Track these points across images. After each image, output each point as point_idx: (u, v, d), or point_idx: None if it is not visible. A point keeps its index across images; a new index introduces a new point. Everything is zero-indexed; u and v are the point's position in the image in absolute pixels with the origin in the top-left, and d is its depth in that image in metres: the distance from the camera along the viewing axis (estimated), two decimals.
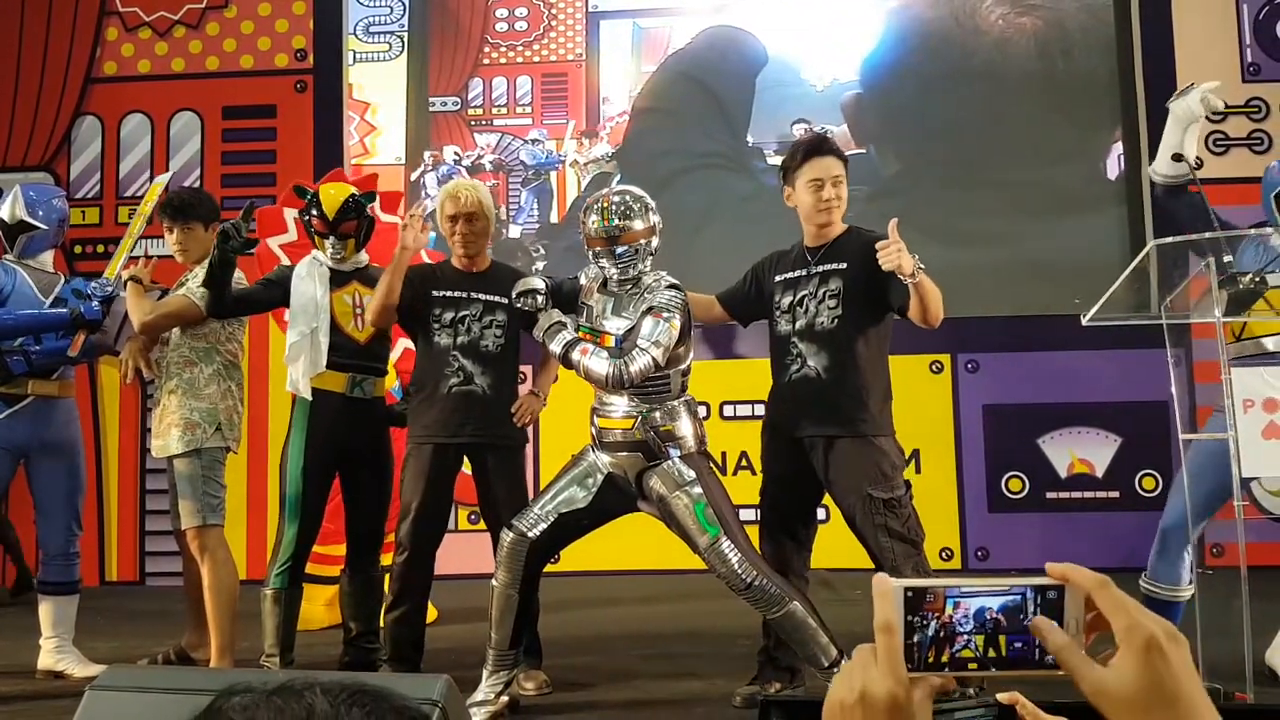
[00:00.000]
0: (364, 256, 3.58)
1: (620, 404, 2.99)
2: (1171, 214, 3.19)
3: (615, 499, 3.06)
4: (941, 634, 0.69)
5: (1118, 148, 5.89)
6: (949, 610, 0.69)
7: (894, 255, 2.72)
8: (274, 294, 3.50)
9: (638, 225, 3.00)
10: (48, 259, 3.80)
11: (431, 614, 3.71)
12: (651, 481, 2.97)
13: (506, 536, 3.03)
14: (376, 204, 3.71)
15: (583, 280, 3.19)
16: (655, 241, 3.06)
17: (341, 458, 3.46)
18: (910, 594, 0.69)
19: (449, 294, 3.36)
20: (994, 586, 0.70)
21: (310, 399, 3.40)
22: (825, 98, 6.09)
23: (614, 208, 3.01)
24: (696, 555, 2.94)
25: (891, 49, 6.07)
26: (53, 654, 3.66)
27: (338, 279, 3.48)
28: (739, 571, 2.83)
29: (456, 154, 6.27)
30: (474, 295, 3.35)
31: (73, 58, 6.37)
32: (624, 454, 3.01)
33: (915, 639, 0.69)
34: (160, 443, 3.54)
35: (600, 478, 3.05)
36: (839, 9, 6.14)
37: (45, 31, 6.37)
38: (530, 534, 3.00)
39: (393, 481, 3.61)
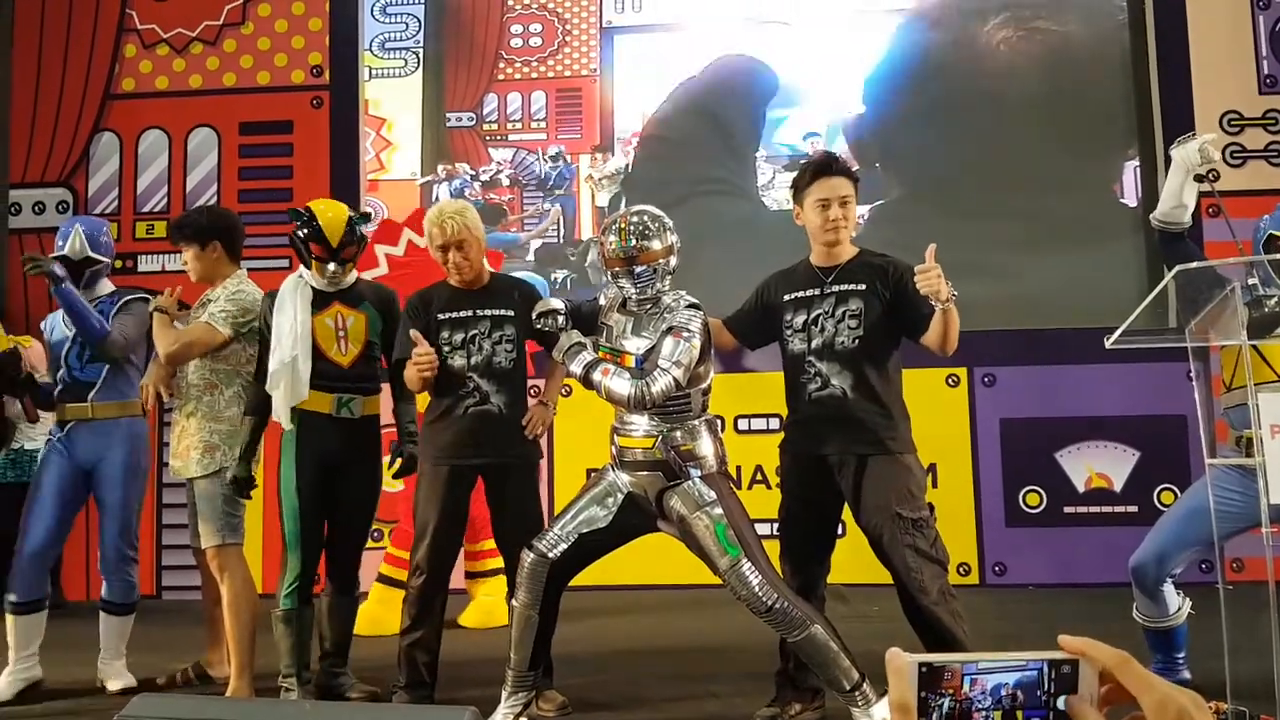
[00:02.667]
0: (351, 275, 3.55)
1: (641, 423, 2.98)
2: (1168, 260, 3.24)
3: (635, 518, 3.05)
4: (957, 711, 0.69)
5: (1131, 167, 5.88)
6: (966, 687, 0.69)
7: (934, 280, 2.78)
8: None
9: (656, 245, 3.00)
10: (103, 288, 3.87)
11: None
12: (672, 501, 2.96)
13: (527, 557, 3.02)
14: (369, 224, 3.75)
15: (602, 300, 3.19)
16: (674, 261, 3.05)
17: (332, 476, 3.43)
18: (925, 669, 0.68)
19: (455, 315, 3.33)
20: (1010, 662, 0.70)
21: (294, 427, 3.36)
22: (836, 114, 6.11)
23: (631, 228, 3.00)
24: (716, 576, 2.93)
25: (894, 71, 6.08)
26: (106, 668, 3.75)
27: (319, 300, 3.43)
28: (760, 594, 2.81)
29: (470, 171, 6.29)
30: (479, 312, 3.33)
31: (91, 74, 6.42)
32: (644, 473, 3.00)
33: (932, 717, 0.68)
34: (179, 464, 3.56)
35: (620, 497, 3.04)
36: (843, 27, 6.15)
37: (64, 49, 6.44)
38: (550, 554, 3.00)
39: (377, 499, 3.58)
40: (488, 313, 3.32)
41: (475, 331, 3.31)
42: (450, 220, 3.29)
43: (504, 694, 3.09)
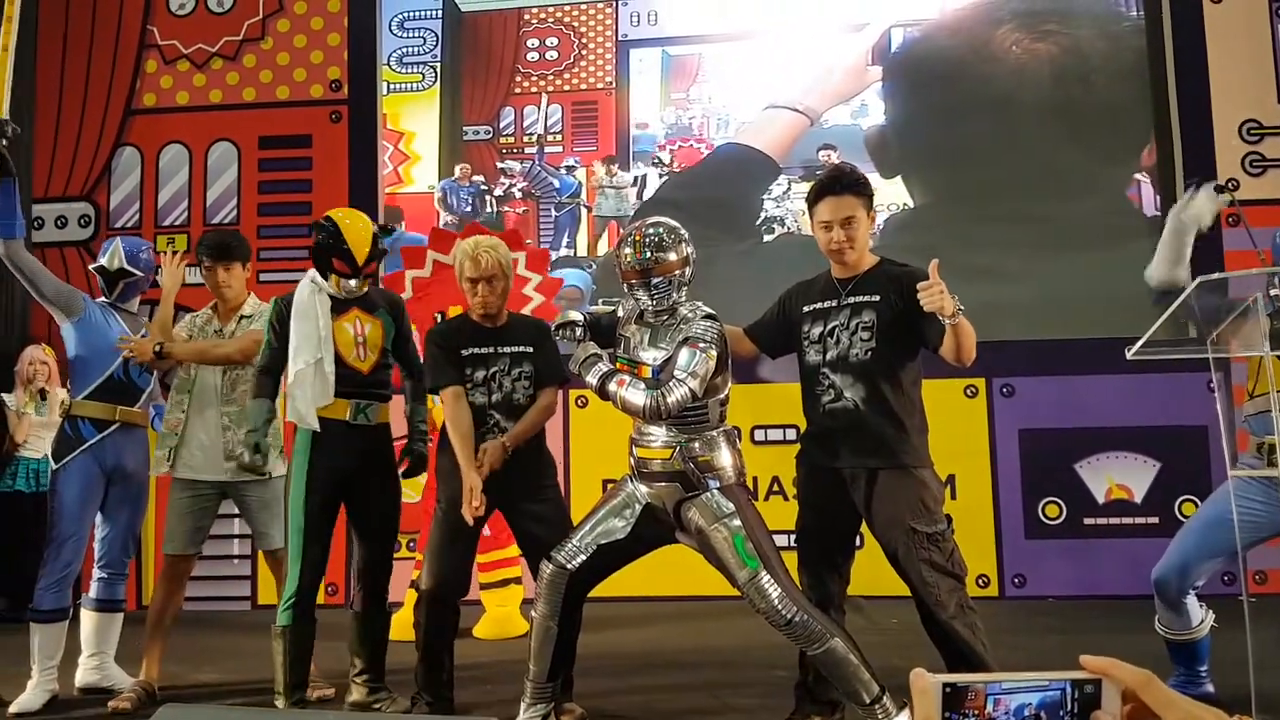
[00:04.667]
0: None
1: (659, 434, 2.98)
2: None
3: (654, 530, 3.04)
4: None
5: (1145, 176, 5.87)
6: (989, 708, 0.69)
7: (936, 297, 2.71)
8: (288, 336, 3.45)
9: (671, 257, 2.99)
10: (135, 304, 4.08)
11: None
12: (690, 513, 2.95)
13: (546, 568, 3.03)
14: (391, 237, 3.81)
15: (620, 312, 3.19)
16: (689, 272, 3.05)
17: (346, 486, 3.40)
18: (949, 690, 0.69)
19: (477, 351, 3.31)
20: (1033, 681, 0.70)
21: (308, 434, 3.33)
22: (850, 125, 6.12)
23: (647, 240, 2.99)
24: (735, 589, 2.92)
25: (914, 78, 6.08)
26: (96, 671, 3.83)
27: (337, 306, 3.43)
28: (779, 607, 2.79)
29: (484, 182, 6.32)
30: (500, 349, 3.32)
31: (113, 90, 6.51)
32: (662, 484, 2.99)
33: None
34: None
35: (639, 508, 3.03)
36: (855, 38, 6.16)
37: (86, 65, 6.53)
38: (569, 566, 3.00)
39: (399, 507, 3.56)
40: (508, 350, 3.32)
41: (496, 368, 3.30)
42: (485, 254, 3.28)
43: (523, 705, 3.08)
